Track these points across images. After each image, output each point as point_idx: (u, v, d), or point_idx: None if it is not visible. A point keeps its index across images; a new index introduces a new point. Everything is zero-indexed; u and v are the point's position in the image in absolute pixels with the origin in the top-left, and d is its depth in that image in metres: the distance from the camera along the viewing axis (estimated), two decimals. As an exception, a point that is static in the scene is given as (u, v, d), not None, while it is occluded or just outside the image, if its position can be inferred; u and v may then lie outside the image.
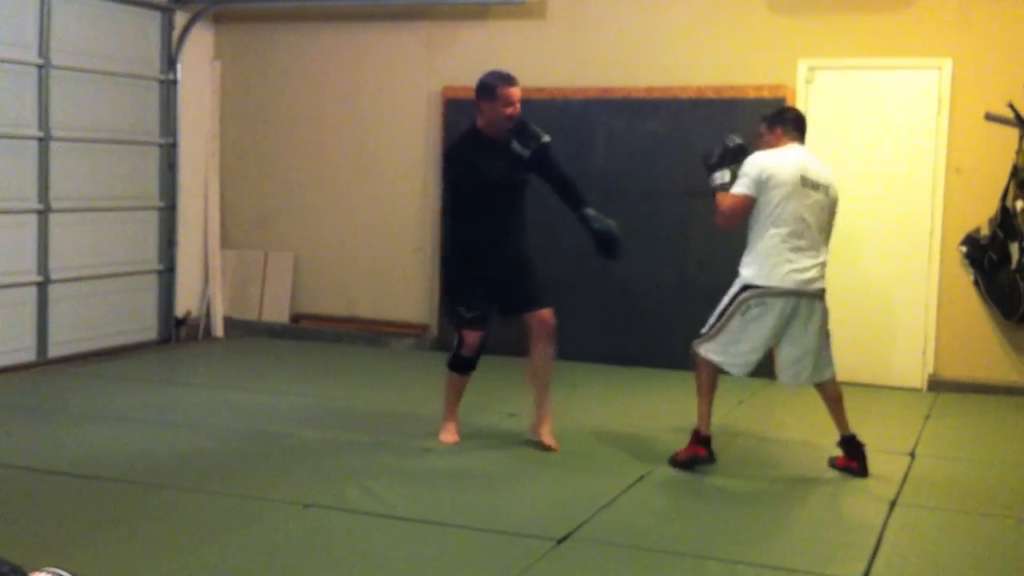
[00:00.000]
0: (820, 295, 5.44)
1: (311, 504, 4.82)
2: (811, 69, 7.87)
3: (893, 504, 5.03)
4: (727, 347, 5.43)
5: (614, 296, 8.30)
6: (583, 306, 8.31)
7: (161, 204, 8.93)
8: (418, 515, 4.72)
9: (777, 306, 5.33)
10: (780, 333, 5.41)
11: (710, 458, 5.56)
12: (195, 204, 9.27)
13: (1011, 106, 7.30)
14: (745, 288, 5.36)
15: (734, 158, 5.48)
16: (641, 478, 5.35)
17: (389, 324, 9.06)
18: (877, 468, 5.71)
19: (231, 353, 8.86)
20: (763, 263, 5.33)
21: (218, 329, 9.36)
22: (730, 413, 6.87)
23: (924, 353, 7.71)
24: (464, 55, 8.71)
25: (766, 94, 7.89)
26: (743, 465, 5.74)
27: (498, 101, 5.59)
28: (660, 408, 6.98)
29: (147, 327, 8.90)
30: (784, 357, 5.55)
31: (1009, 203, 7.32)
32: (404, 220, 9.00)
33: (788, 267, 5.31)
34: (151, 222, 8.90)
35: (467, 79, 8.61)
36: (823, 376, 5.55)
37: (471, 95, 8.53)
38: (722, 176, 5.46)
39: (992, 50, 7.49)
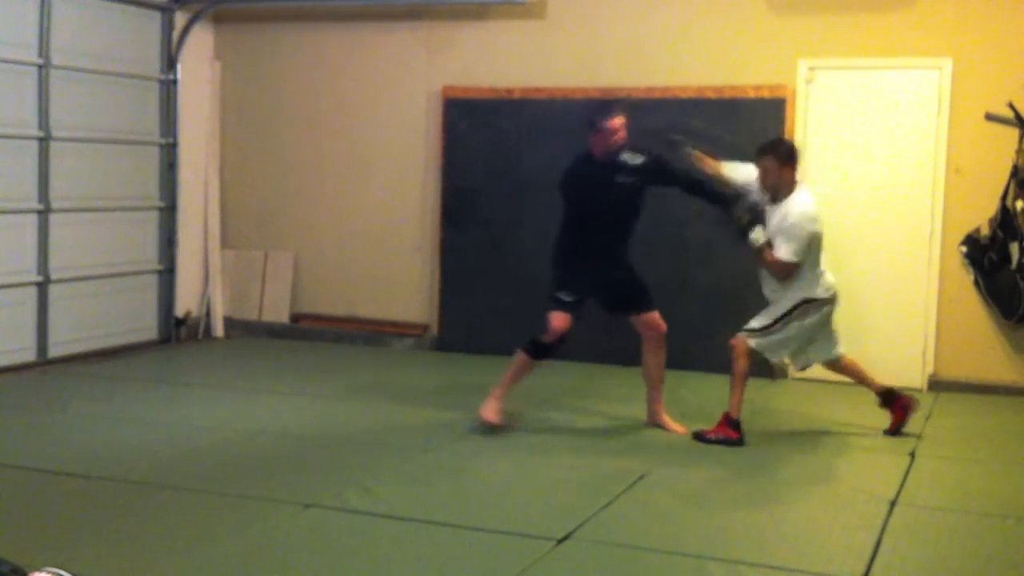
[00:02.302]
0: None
1: (311, 504, 4.82)
2: (811, 69, 7.87)
3: (893, 504, 5.04)
4: (775, 340, 6.15)
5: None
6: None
7: (161, 204, 8.93)
8: (418, 515, 4.72)
9: (826, 309, 6.18)
10: (818, 330, 6.22)
11: (741, 441, 6.05)
12: (195, 204, 9.27)
13: (1011, 106, 7.30)
14: (806, 301, 6.10)
15: (759, 211, 6.07)
16: (641, 478, 5.35)
17: (389, 324, 9.05)
18: (877, 468, 5.72)
19: (231, 353, 8.86)
20: (813, 282, 6.10)
21: (218, 329, 9.36)
22: (730, 413, 6.88)
23: (924, 353, 7.71)
24: (464, 55, 8.71)
25: (766, 94, 7.90)
26: (743, 465, 5.74)
27: (603, 133, 6.09)
28: (660, 408, 6.98)
29: (147, 327, 8.90)
30: (812, 347, 6.30)
31: (1009, 203, 7.32)
32: (404, 220, 9.00)
33: (824, 282, 6.15)
34: (151, 222, 8.90)
35: (467, 79, 8.67)
36: (833, 352, 6.35)
37: (471, 95, 8.64)
38: (757, 237, 6.06)
39: (992, 50, 7.49)
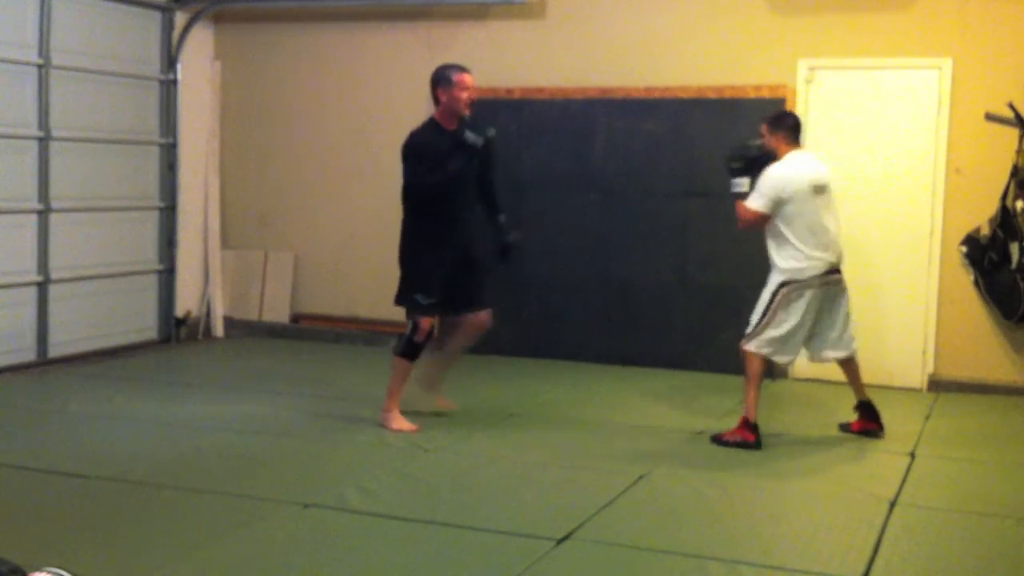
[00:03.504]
0: (841, 282, 6.20)
1: (311, 504, 4.82)
2: (811, 69, 7.87)
3: (893, 504, 5.03)
4: (772, 337, 6.06)
5: (614, 296, 8.30)
6: (583, 306, 8.32)
7: (161, 204, 8.93)
8: (418, 515, 4.72)
9: (808, 294, 6.01)
10: (813, 318, 6.11)
11: (758, 444, 6.00)
12: (195, 204, 9.27)
13: (1011, 106, 7.30)
14: (783, 284, 6.03)
15: (757, 167, 6.07)
16: (641, 478, 5.35)
17: (389, 324, 9.05)
18: (877, 468, 5.72)
19: (231, 353, 8.86)
20: (792, 262, 6.01)
21: (218, 329, 9.36)
22: (730, 413, 6.87)
23: (924, 353, 7.71)
24: (464, 55, 8.65)
25: (766, 94, 7.90)
26: (743, 465, 5.74)
27: (455, 87, 6.01)
28: (660, 408, 6.98)
29: (147, 327, 8.90)
30: (815, 337, 6.21)
31: (1009, 203, 7.32)
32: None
33: (812, 262, 6.02)
34: (151, 222, 8.90)
35: (467, 79, 8.66)
36: (848, 350, 6.26)
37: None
38: (741, 185, 6.08)
39: (992, 50, 7.49)
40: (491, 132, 6.09)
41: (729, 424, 6.39)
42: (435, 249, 6.08)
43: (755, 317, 6.11)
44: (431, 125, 6.13)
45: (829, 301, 6.13)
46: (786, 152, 6.11)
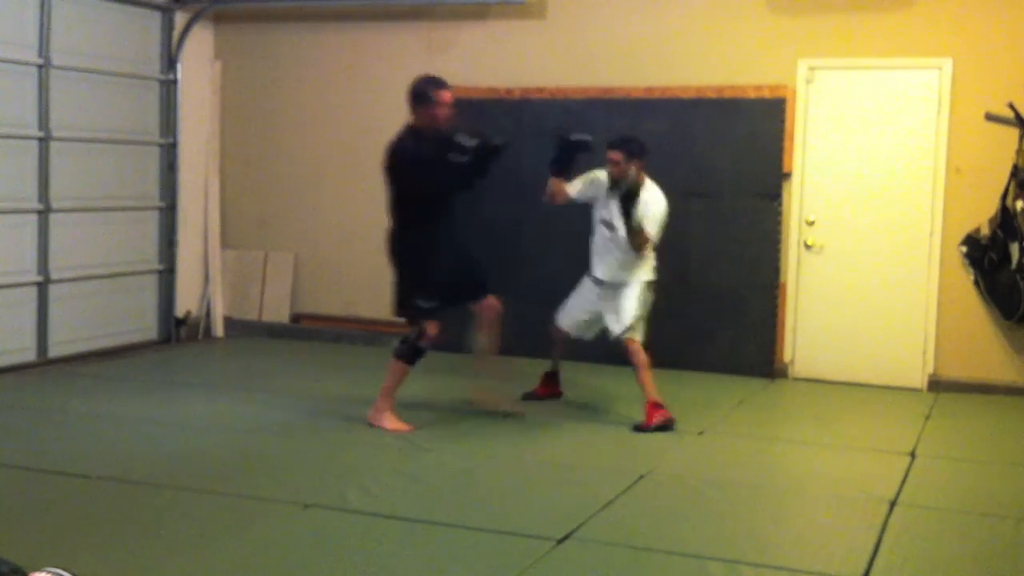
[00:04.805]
0: None
1: (311, 504, 4.82)
2: (811, 69, 7.87)
3: (893, 504, 5.03)
4: (643, 326, 6.65)
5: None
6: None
7: (161, 204, 8.93)
8: (418, 515, 4.72)
9: (653, 287, 6.68)
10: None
11: (672, 419, 6.40)
12: (195, 204, 9.27)
13: (1011, 106, 7.30)
14: (648, 283, 6.64)
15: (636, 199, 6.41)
16: (641, 478, 5.35)
17: (389, 324, 9.04)
18: (877, 468, 5.72)
19: (231, 353, 8.86)
20: (652, 265, 6.65)
21: (218, 329, 9.36)
22: (730, 413, 6.88)
23: (924, 353, 7.71)
24: (464, 55, 8.71)
25: (766, 94, 7.90)
26: (743, 465, 5.75)
27: (435, 106, 6.01)
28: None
29: (147, 327, 8.90)
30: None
31: (1009, 203, 7.32)
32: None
33: (653, 265, 6.68)
34: (151, 222, 8.90)
35: (467, 79, 8.66)
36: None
37: (471, 95, 8.62)
38: (637, 218, 6.39)
39: (992, 50, 7.49)
40: (498, 141, 6.05)
41: (729, 424, 6.39)
42: (431, 252, 6.08)
43: (631, 313, 6.50)
44: (412, 133, 6.07)
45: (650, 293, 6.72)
46: (642, 178, 6.44)
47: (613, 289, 6.57)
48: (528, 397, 7.04)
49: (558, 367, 7.12)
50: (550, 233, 8.27)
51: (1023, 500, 5.23)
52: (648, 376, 6.45)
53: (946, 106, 7.58)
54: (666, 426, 6.32)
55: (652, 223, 6.43)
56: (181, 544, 4.34)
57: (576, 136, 6.48)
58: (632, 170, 6.41)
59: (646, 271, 6.63)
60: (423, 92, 6.04)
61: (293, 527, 4.55)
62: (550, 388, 7.13)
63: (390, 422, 6.20)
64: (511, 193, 8.58)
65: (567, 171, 6.64)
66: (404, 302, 6.19)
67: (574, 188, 6.70)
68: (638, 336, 6.55)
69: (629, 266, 6.56)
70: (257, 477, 5.28)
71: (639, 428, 6.34)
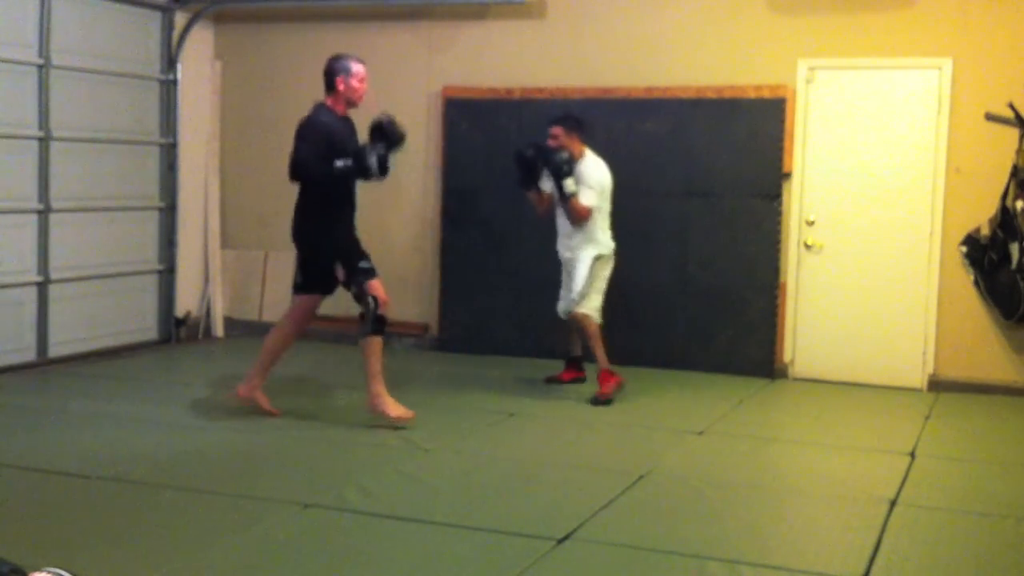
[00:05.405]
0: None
1: (311, 504, 4.82)
2: (811, 69, 7.87)
3: (893, 504, 5.03)
4: (596, 298, 7.04)
5: (614, 296, 8.28)
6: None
7: (161, 204, 8.93)
8: (418, 515, 4.72)
9: (610, 263, 7.11)
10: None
11: (622, 381, 6.97)
12: (195, 204, 9.27)
13: (1011, 106, 7.31)
14: (597, 258, 7.02)
15: (572, 167, 6.90)
16: (641, 478, 5.35)
17: (389, 324, 9.03)
18: (877, 468, 5.72)
19: (231, 353, 8.86)
20: (602, 240, 7.05)
21: (218, 329, 9.36)
22: (730, 413, 6.88)
23: (924, 353, 7.71)
24: (464, 55, 8.71)
25: (766, 94, 7.90)
26: (743, 465, 5.75)
27: (353, 76, 6.20)
28: (660, 408, 6.98)
29: (147, 327, 8.90)
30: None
31: (1009, 203, 7.32)
32: (404, 220, 9.00)
33: (609, 241, 7.11)
34: (151, 222, 8.90)
35: (467, 79, 8.67)
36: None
37: (471, 95, 8.63)
38: (572, 184, 6.87)
39: (992, 50, 7.49)
40: (385, 118, 6.20)
41: (729, 424, 6.39)
42: (346, 225, 6.36)
43: (579, 288, 6.96)
44: (325, 109, 6.25)
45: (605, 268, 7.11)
46: (581, 151, 7.00)
47: (570, 265, 7.05)
48: (551, 381, 7.44)
49: (578, 351, 7.39)
50: (550, 233, 8.26)
51: (1023, 500, 5.23)
52: (599, 345, 6.93)
53: (946, 106, 7.58)
54: (618, 390, 6.86)
55: (588, 192, 6.84)
56: (181, 544, 4.34)
57: (525, 151, 7.02)
58: (563, 142, 6.91)
59: (597, 244, 6.99)
60: (343, 64, 6.20)
61: (293, 527, 4.55)
62: (574, 372, 7.47)
63: (390, 407, 6.20)
64: (511, 193, 8.59)
65: (534, 182, 7.12)
66: (349, 270, 6.26)
67: (547, 186, 7.09)
68: (588, 309, 6.94)
69: (578, 240, 6.98)
70: (257, 477, 5.28)
71: (597, 399, 6.81)
